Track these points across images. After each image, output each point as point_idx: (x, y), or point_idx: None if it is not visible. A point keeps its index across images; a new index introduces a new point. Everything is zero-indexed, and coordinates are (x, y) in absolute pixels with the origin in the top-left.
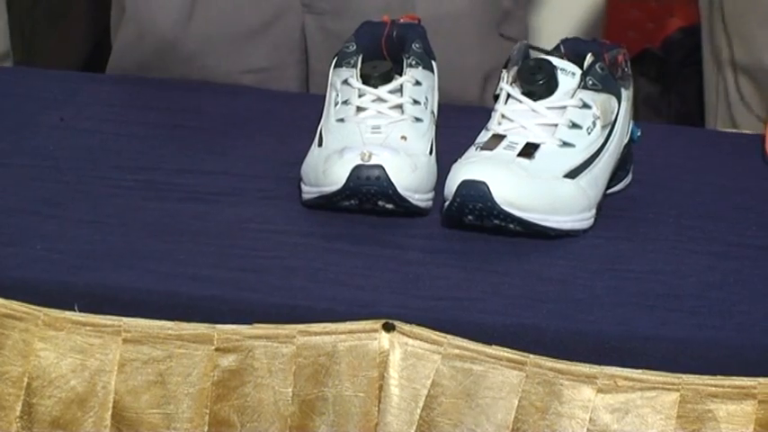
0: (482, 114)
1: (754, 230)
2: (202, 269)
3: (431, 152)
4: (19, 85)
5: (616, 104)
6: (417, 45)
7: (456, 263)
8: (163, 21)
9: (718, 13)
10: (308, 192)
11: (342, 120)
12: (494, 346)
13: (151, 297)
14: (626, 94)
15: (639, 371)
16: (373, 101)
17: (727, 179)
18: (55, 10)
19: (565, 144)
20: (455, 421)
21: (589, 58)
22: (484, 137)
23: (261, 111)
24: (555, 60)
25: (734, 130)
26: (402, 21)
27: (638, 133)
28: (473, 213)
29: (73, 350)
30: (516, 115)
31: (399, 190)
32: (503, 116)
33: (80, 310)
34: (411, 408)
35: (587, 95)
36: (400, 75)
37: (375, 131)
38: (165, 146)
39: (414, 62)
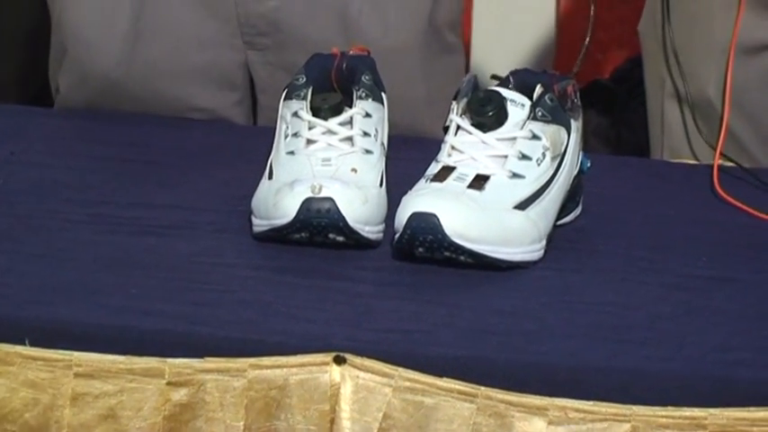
0: (432, 146)
1: (704, 261)
2: (153, 303)
3: (381, 184)
4: None
5: (566, 136)
6: (367, 77)
7: (407, 295)
8: (105, 62)
9: (660, 46)
10: (259, 225)
11: (292, 152)
12: (445, 379)
13: (102, 331)
14: (575, 126)
15: (590, 402)
16: (323, 133)
17: (677, 210)
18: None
19: (515, 175)
20: None
21: (539, 90)
22: (434, 169)
23: (210, 144)
24: (504, 92)
25: (681, 161)
26: (352, 53)
27: (588, 164)
28: (423, 245)
29: (25, 384)
30: (466, 147)
31: (350, 222)
32: (452, 148)
33: (31, 345)
34: None
35: (537, 127)
36: (350, 107)
37: (325, 164)
38: (115, 179)
39: (364, 94)
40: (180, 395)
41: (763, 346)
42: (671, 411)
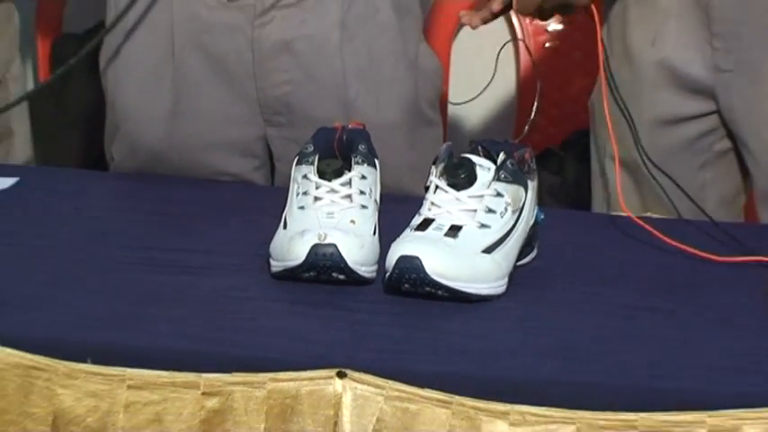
0: (415, 202)
1: (636, 295)
2: (190, 329)
3: (374, 233)
4: (42, 182)
5: (524, 193)
6: (363, 146)
7: (395, 322)
8: (150, 137)
9: (602, 118)
10: (276, 266)
11: (302, 207)
12: (426, 390)
13: (149, 352)
14: (532, 185)
15: (544, 408)
16: (328, 192)
17: (614, 253)
18: (67, 122)
19: (482, 226)
20: None
21: (502, 156)
22: (417, 220)
23: (235, 201)
24: (474, 158)
25: (618, 213)
26: (350, 127)
27: (542, 216)
28: (409, 282)
29: (87, 394)
30: (443, 203)
31: (349, 264)
32: (432, 203)
33: (92, 363)
34: None
35: (500, 186)
36: (349, 170)
37: (329, 216)
38: (158, 230)
39: (360, 160)
40: (212, 403)
41: (683, 363)
42: (608, 415)
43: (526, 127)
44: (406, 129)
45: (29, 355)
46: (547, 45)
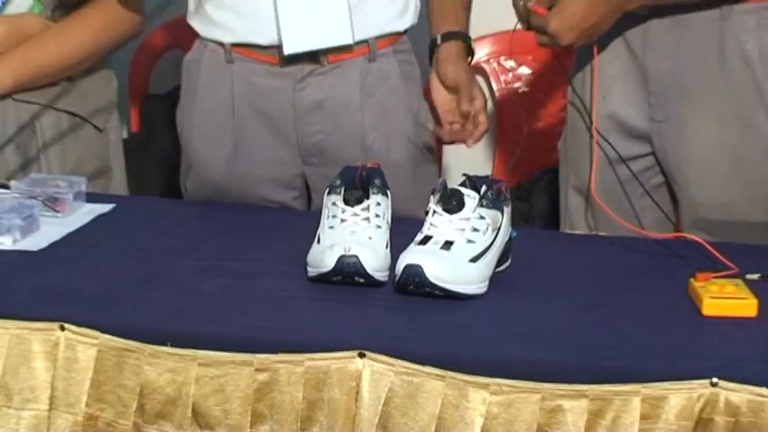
0: (417, 223)
1: (588, 294)
2: (246, 320)
3: (387, 246)
4: (134, 207)
5: (501, 217)
6: (378, 181)
7: (402, 315)
8: (214, 174)
9: (566, 158)
10: (311, 271)
11: (332, 227)
12: (426, 366)
13: (216, 337)
14: (507, 210)
15: (516, 381)
16: (351, 215)
17: (573, 261)
18: (152, 162)
19: (469, 241)
20: (402, 413)
21: (484, 188)
22: (419, 237)
23: (280, 223)
24: (463, 189)
25: (576, 232)
26: (368, 165)
27: (515, 234)
28: (413, 284)
29: (167, 370)
30: (439, 223)
31: (368, 270)
32: (431, 224)
33: (171, 346)
34: (376, 405)
35: (483, 211)
36: (367, 199)
37: (352, 234)
38: (221, 244)
39: (376, 191)
40: (263, 377)
41: (623, 347)
42: (565, 386)
43: (512, 161)
44: (410, 167)
45: (123, 340)
46: (520, 90)
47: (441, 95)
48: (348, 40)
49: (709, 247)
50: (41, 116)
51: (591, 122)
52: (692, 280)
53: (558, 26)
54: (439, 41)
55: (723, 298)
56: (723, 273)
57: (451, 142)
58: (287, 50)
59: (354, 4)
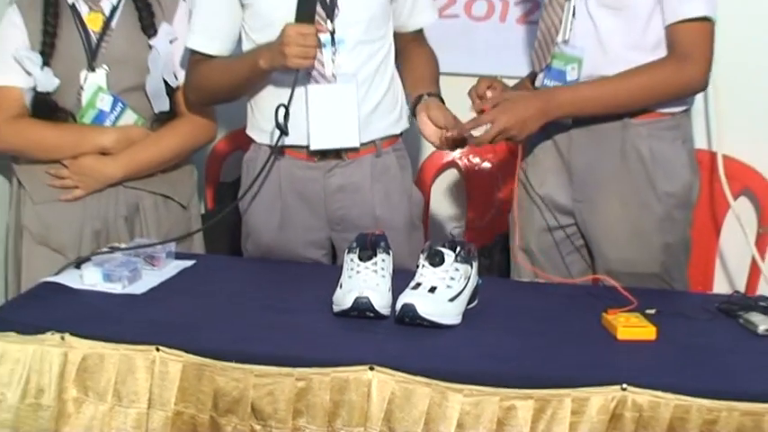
0: (411, 274)
1: (533, 323)
2: (288, 343)
3: (389, 290)
4: (209, 263)
5: (470, 269)
6: (383, 243)
7: (400, 339)
8: (265, 240)
9: (514, 223)
10: (335, 308)
11: (350, 276)
12: (417, 377)
13: (265, 355)
14: (475, 264)
15: (482, 386)
16: (364, 268)
17: (521, 300)
18: (221, 230)
19: (448, 287)
20: (401, 410)
21: (458, 249)
22: (412, 283)
23: (314, 273)
24: (443, 249)
25: (522, 280)
26: (376, 233)
27: (480, 282)
28: (408, 318)
29: (232, 379)
30: (426, 274)
31: (376, 308)
32: (420, 274)
33: (235, 362)
34: (381, 404)
35: (457, 265)
36: (375, 256)
37: (365, 282)
38: (270, 289)
39: (381, 251)
40: (301, 384)
41: (558, 362)
42: (516, 391)
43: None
44: (406, 233)
45: (201, 358)
46: (484, 178)
47: (431, 130)
48: (356, 144)
49: (620, 289)
50: (143, 198)
51: (534, 200)
52: (604, 314)
53: (502, 118)
54: (425, 97)
55: (631, 326)
56: (627, 308)
57: (453, 148)
58: (312, 147)
59: (363, 118)
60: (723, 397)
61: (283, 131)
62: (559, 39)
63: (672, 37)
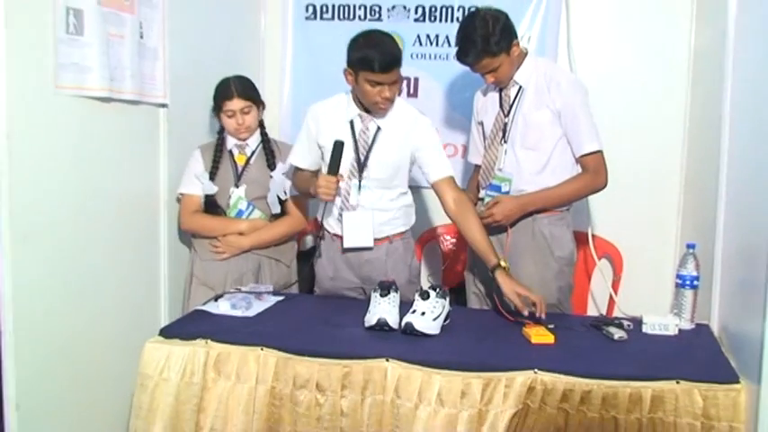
0: (410, 304)
1: (488, 335)
2: (336, 345)
3: (398, 314)
4: (295, 299)
5: (445, 301)
6: (394, 287)
7: (405, 342)
8: (325, 287)
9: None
10: (366, 324)
11: (374, 306)
12: (415, 365)
13: (323, 353)
14: (448, 298)
15: (453, 371)
16: (383, 301)
17: (474, 321)
18: (302, 280)
19: (432, 311)
20: (405, 387)
21: (438, 290)
22: (411, 310)
23: (352, 305)
24: (429, 290)
25: (474, 307)
26: (390, 280)
27: (450, 309)
28: (409, 330)
29: (305, 368)
30: (419, 305)
31: (390, 324)
32: (416, 305)
33: (307, 356)
34: (394, 382)
35: (438, 299)
36: (389, 295)
37: (383, 309)
38: (328, 313)
39: (393, 291)
40: (345, 371)
41: (498, 355)
42: (473, 374)
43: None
44: (407, 285)
45: (286, 354)
46: (452, 251)
47: (514, 295)
48: (370, 245)
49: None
50: (263, 260)
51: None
52: (524, 327)
53: (499, 212)
54: (499, 268)
55: (540, 335)
56: (538, 325)
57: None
58: (344, 246)
59: (378, 226)
60: (594, 377)
61: (327, 232)
62: (496, 168)
63: (583, 163)
